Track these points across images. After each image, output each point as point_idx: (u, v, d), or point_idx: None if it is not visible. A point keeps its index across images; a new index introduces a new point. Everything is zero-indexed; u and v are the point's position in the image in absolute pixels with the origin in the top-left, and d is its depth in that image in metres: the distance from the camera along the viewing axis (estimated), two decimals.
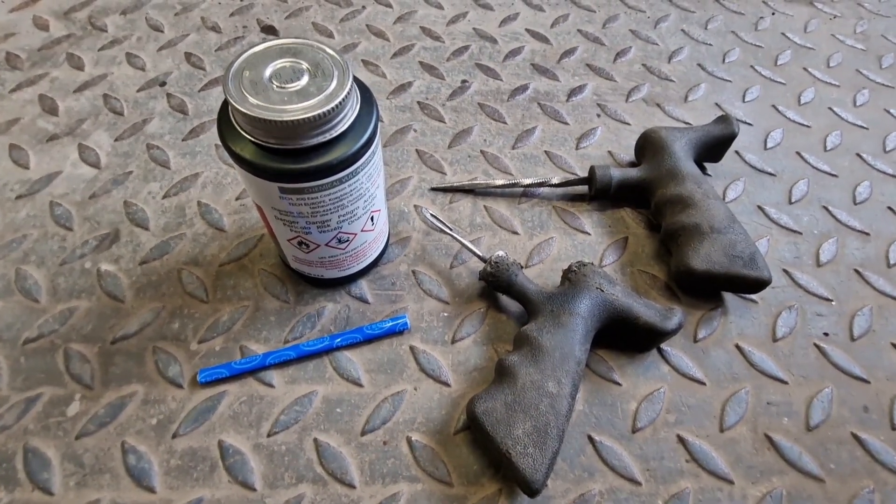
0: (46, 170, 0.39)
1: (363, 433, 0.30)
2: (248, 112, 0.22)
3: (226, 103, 0.25)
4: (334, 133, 0.24)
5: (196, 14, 0.50)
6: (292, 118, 0.22)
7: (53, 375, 0.31)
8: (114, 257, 0.35)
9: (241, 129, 0.24)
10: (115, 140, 0.41)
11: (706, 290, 0.35)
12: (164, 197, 0.38)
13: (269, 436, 0.30)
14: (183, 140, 0.41)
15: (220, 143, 0.41)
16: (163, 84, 0.45)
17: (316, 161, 0.24)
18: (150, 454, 0.29)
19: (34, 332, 0.32)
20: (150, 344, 0.32)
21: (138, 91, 0.44)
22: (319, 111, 0.22)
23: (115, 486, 0.28)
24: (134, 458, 0.29)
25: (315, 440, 0.30)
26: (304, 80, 0.24)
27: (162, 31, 0.49)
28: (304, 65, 0.24)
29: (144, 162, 0.40)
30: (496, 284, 0.33)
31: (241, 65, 0.24)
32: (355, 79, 0.26)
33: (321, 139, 0.24)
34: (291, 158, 0.24)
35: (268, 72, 0.24)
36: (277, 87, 0.23)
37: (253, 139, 0.24)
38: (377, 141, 0.27)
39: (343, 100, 0.23)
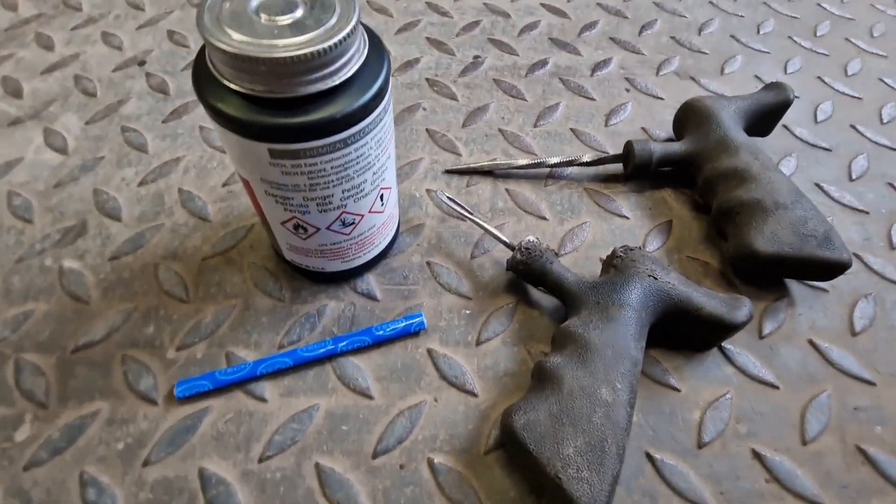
0: (6, 157, 0.34)
1: (375, 455, 0.25)
2: (229, 48, 0.17)
3: (203, 51, 0.21)
4: (337, 80, 0.19)
5: None
6: (285, 55, 0.17)
7: (1, 392, 0.26)
8: (79, 252, 0.30)
9: (222, 75, 0.19)
10: (86, 123, 0.36)
11: (770, 277, 0.30)
12: (140, 184, 0.33)
13: (260, 461, 0.24)
14: (163, 122, 0.37)
15: (205, 124, 0.36)
16: (142, 63, 0.40)
17: (314, 114, 0.19)
18: (115, 487, 0.23)
19: None
20: (118, 352, 0.27)
21: (114, 71, 0.40)
22: (319, 47, 0.18)
23: None
24: (94, 493, 0.23)
25: (317, 465, 0.24)
26: (300, 11, 0.19)
27: (142, 10, 0.44)
28: None
29: (118, 146, 0.35)
30: (527, 275, 0.28)
31: None
32: (362, 23, 0.22)
33: (321, 86, 0.19)
34: (284, 111, 0.19)
35: (254, 2, 0.19)
36: (266, 19, 0.19)
37: (236, 87, 0.19)
38: (388, 96, 0.22)
39: (348, 35, 0.18)
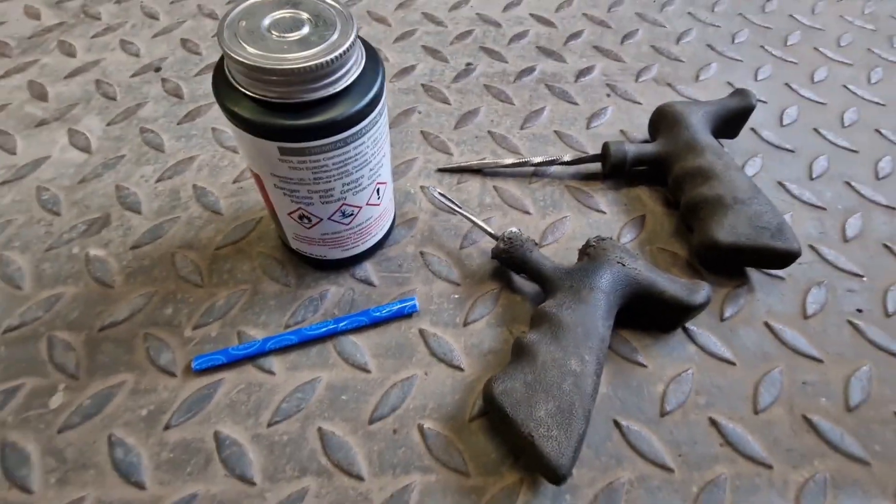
0: (34, 155, 0.38)
1: (371, 421, 0.28)
2: (245, 60, 0.21)
3: (222, 60, 0.24)
4: (338, 87, 0.22)
5: (192, 2, 0.49)
6: (293, 66, 0.21)
7: (36, 365, 0.29)
8: (103, 242, 0.33)
9: (238, 83, 0.22)
10: (107, 124, 0.39)
11: (731, 265, 0.33)
12: (158, 181, 0.36)
13: (269, 426, 0.27)
14: (178, 124, 0.40)
15: (217, 126, 0.40)
16: (158, 69, 0.43)
17: (318, 117, 0.22)
18: (140, 447, 0.26)
19: (16, 319, 0.30)
20: (140, 330, 0.30)
21: (132, 76, 0.43)
22: (322, 59, 0.21)
23: (101, 482, 0.25)
24: (122, 452, 0.26)
25: (319, 429, 0.27)
26: (306, 29, 0.22)
27: (157, 19, 0.47)
28: (305, 15, 0.22)
29: (137, 146, 0.38)
30: (510, 262, 0.31)
31: (236, 15, 0.22)
32: (360, 37, 0.25)
33: (324, 93, 0.22)
34: (292, 114, 0.22)
35: (266, 21, 0.22)
36: (276, 36, 0.22)
37: (250, 93, 0.22)
38: (383, 102, 0.25)
39: (348, 49, 0.22)
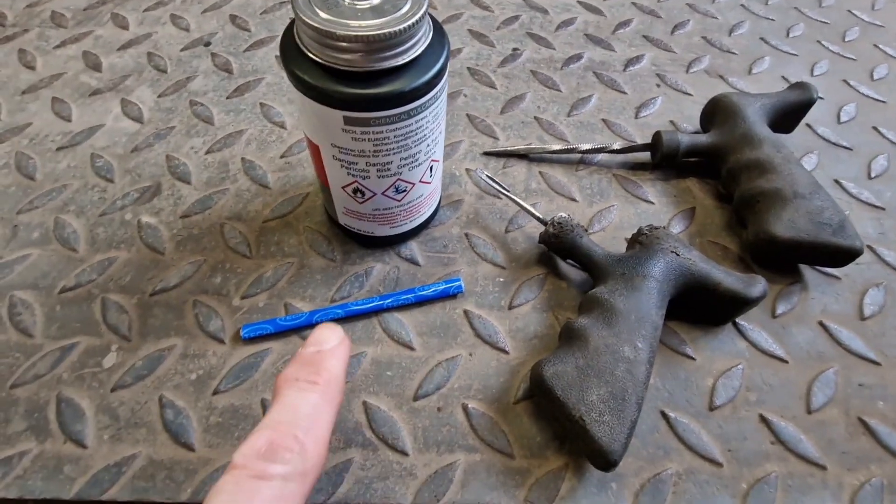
0: (88, 123, 0.38)
1: (416, 398, 0.28)
2: (319, 25, 0.20)
3: (290, 26, 0.24)
4: (406, 58, 0.22)
5: None
6: (365, 33, 0.20)
7: (90, 325, 0.29)
8: (154, 210, 0.34)
9: (308, 49, 0.22)
10: (159, 96, 0.40)
11: (786, 261, 0.32)
12: (207, 152, 0.37)
13: None
14: (227, 98, 0.40)
15: (265, 102, 0.40)
16: (207, 44, 0.44)
17: (385, 87, 0.22)
18: (189, 410, 0.27)
19: (71, 280, 0.31)
20: (190, 297, 0.30)
21: (182, 50, 0.43)
22: (395, 28, 0.21)
23: (152, 441, 0.26)
24: (172, 414, 0.27)
25: (364, 403, 0.27)
26: None
27: None
28: None
29: (187, 118, 0.39)
30: (558, 248, 0.31)
31: None
32: (429, 12, 0.25)
33: (392, 63, 0.22)
34: (359, 83, 0.22)
35: None
36: (349, 2, 0.22)
37: (320, 59, 0.22)
38: (446, 77, 0.25)
39: (419, 20, 0.21)
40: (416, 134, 0.25)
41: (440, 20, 0.47)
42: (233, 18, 0.46)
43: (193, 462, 0.25)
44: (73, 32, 0.44)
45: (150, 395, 0.27)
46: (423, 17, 0.22)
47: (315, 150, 0.27)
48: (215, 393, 0.27)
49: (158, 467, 0.25)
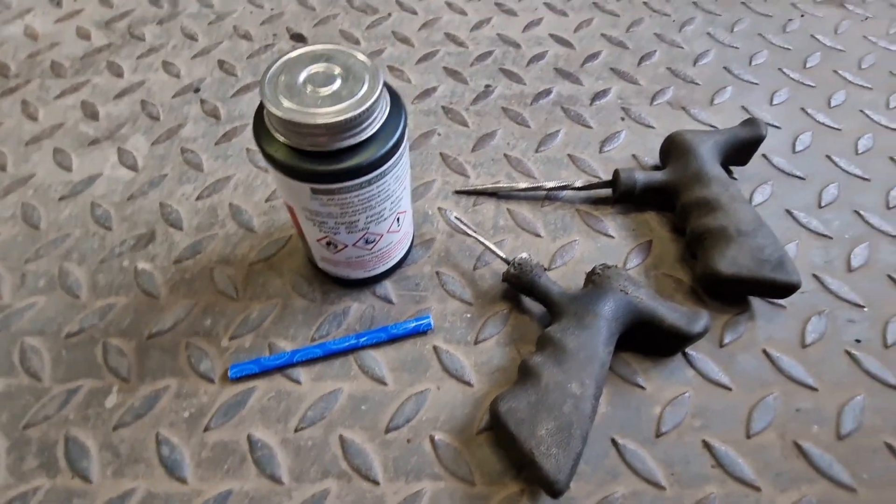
0: (87, 172, 0.41)
1: (387, 430, 0.30)
2: (283, 115, 0.23)
3: (261, 107, 0.26)
4: (364, 136, 0.25)
5: (229, 22, 0.52)
6: (325, 121, 0.23)
7: (93, 368, 0.32)
8: (150, 256, 0.37)
9: (276, 131, 0.25)
10: (152, 144, 0.43)
11: (733, 294, 0.35)
12: (198, 198, 0.40)
13: (296, 431, 0.30)
14: (216, 144, 0.43)
15: (251, 146, 0.43)
16: (197, 90, 0.46)
17: (347, 163, 0.25)
18: (183, 446, 0.30)
19: (75, 326, 0.34)
20: (183, 339, 0.33)
21: (173, 97, 0.46)
22: (351, 114, 0.23)
23: (150, 475, 0.29)
24: (167, 450, 0.30)
25: (340, 436, 0.30)
26: (337, 84, 0.24)
27: (196, 39, 0.51)
28: (337, 69, 0.25)
29: (179, 164, 0.42)
30: (519, 286, 0.33)
31: (277, 69, 0.25)
32: (385, 84, 0.27)
33: (352, 141, 0.24)
34: (323, 160, 0.25)
35: (302, 76, 0.25)
36: (311, 90, 0.24)
37: (287, 142, 0.24)
38: (405, 144, 0.27)
39: (373, 103, 0.24)
40: (380, 195, 0.28)
41: (417, 58, 0.49)
42: (220, 63, 0.48)
43: (187, 494, 0.28)
44: (72, 82, 0.47)
45: (148, 432, 0.30)
46: (377, 100, 0.24)
47: (290, 209, 0.29)
48: (206, 430, 0.30)
49: (156, 499, 0.28)
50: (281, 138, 0.25)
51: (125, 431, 0.30)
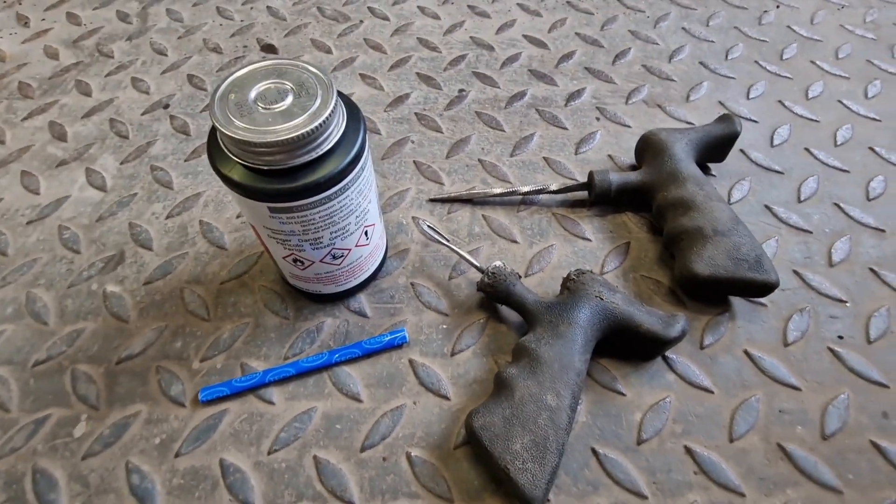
0: (55, 195, 0.40)
1: (363, 449, 0.30)
2: (234, 135, 0.22)
3: (214, 130, 0.26)
4: (320, 151, 0.24)
5: (198, 36, 0.52)
6: (276, 139, 0.22)
7: (61, 396, 0.32)
8: (119, 278, 0.36)
9: (229, 151, 0.24)
10: (121, 163, 0.42)
11: (712, 294, 0.34)
12: (168, 217, 0.39)
13: (269, 453, 0.30)
14: (185, 160, 0.42)
15: None
16: (166, 106, 0.46)
17: (304, 180, 0.24)
18: (154, 474, 0.29)
19: (43, 353, 0.33)
20: (153, 363, 0.33)
21: (143, 114, 0.45)
22: (303, 130, 0.23)
23: None
24: (137, 478, 0.29)
25: (315, 457, 0.29)
26: (289, 100, 0.24)
27: (166, 55, 0.50)
28: (289, 85, 0.24)
29: (148, 183, 0.41)
30: (494, 295, 0.33)
31: (226, 88, 0.24)
32: (342, 95, 0.26)
33: (308, 158, 0.24)
34: (279, 178, 0.24)
35: (253, 94, 0.24)
36: (262, 108, 0.24)
37: (241, 161, 0.24)
38: (366, 156, 0.27)
39: (327, 118, 0.23)
40: (342, 211, 0.27)
41: (389, 65, 0.49)
42: (190, 78, 0.48)
43: None
44: (40, 103, 0.46)
45: (118, 461, 0.30)
46: (331, 114, 0.24)
47: (253, 228, 0.29)
48: (177, 455, 0.30)
49: None
50: (235, 158, 0.24)
51: (94, 461, 0.30)
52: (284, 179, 0.24)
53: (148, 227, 0.39)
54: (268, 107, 0.24)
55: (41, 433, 0.30)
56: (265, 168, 0.24)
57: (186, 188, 0.41)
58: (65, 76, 0.48)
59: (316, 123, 0.23)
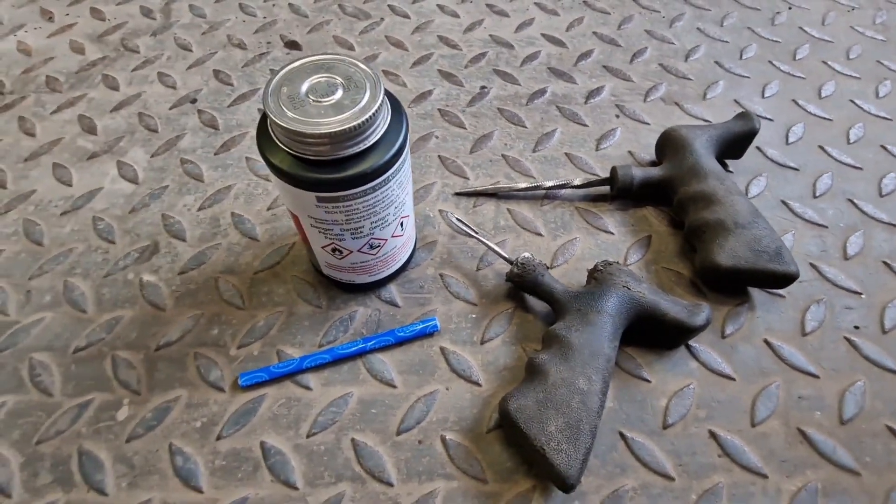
0: (88, 186, 0.41)
1: (398, 433, 0.31)
2: (287, 125, 0.23)
3: (264, 117, 0.27)
4: (367, 143, 0.25)
5: (222, 32, 0.52)
6: (329, 130, 0.23)
7: (102, 382, 0.32)
8: (154, 268, 0.37)
9: (280, 141, 0.25)
10: (151, 156, 0.43)
11: (732, 285, 0.35)
12: (199, 209, 0.40)
13: (308, 436, 0.31)
14: (215, 154, 0.43)
15: (250, 156, 0.43)
16: (193, 101, 0.47)
17: (351, 170, 0.25)
18: (196, 455, 0.30)
19: (83, 340, 0.34)
20: (191, 350, 0.34)
21: (171, 108, 0.46)
22: (354, 123, 0.24)
23: (164, 486, 0.29)
24: (181, 460, 0.30)
25: (352, 440, 0.30)
26: (339, 93, 0.25)
27: (190, 50, 0.51)
28: (339, 79, 0.25)
29: (179, 176, 0.42)
30: (523, 285, 0.34)
31: (279, 81, 0.25)
32: (386, 91, 0.27)
33: (355, 150, 0.25)
34: (328, 168, 0.25)
35: (304, 87, 0.25)
36: (314, 101, 0.24)
37: (291, 151, 0.25)
38: (407, 149, 0.28)
39: (375, 112, 0.24)
40: (384, 201, 0.28)
41: (412, 62, 0.50)
42: (216, 73, 0.49)
43: (202, 503, 0.29)
44: (68, 96, 0.47)
45: (161, 443, 0.30)
46: (379, 108, 0.24)
47: (295, 218, 0.30)
48: (218, 438, 0.31)
49: None
50: (285, 147, 0.25)
51: (138, 443, 0.30)
52: (332, 169, 0.25)
53: (180, 219, 0.39)
54: (319, 100, 0.24)
55: (85, 417, 0.31)
56: (313, 158, 0.25)
57: (217, 181, 0.41)
58: (91, 70, 0.49)
59: (366, 116, 0.24)
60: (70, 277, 0.37)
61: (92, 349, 0.34)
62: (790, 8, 0.55)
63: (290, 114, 0.24)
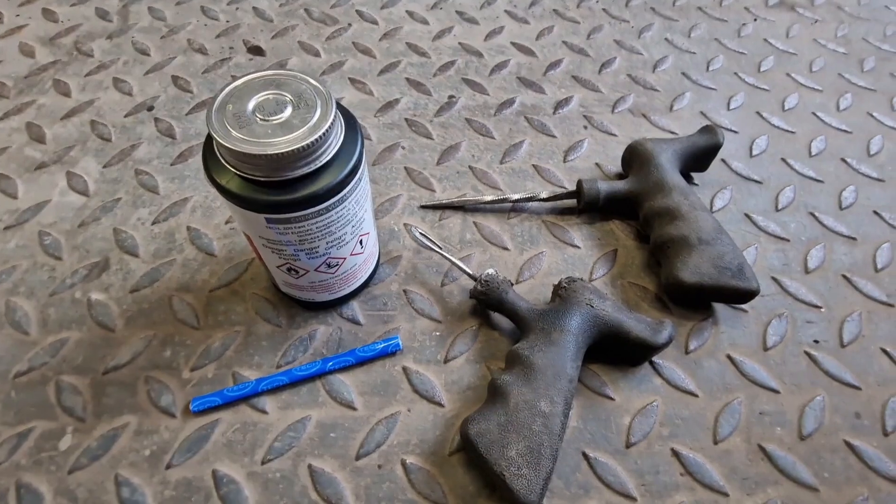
0: (35, 199, 0.39)
1: (358, 457, 0.30)
2: (233, 146, 0.22)
3: (210, 138, 0.25)
4: (319, 163, 0.24)
5: (182, 36, 0.51)
6: (276, 151, 0.22)
7: (45, 409, 0.31)
8: (104, 286, 0.35)
9: (226, 162, 0.24)
10: (104, 167, 0.41)
11: (696, 301, 0.35)
12: (154, 223, 0.38)
13: (263, 463, 0.29)
14: (171, 165, 0.41)
15: None
16: (150, 108, 0.45)
17: (302, 192, 0.24)
18: (144, 486, 0.29)
19: (24, 365, 0.32)
20: (142, 373, 0.32)
21: (126, 116, 0.44)
22: (303, 143, 0.23)
23: None
24: (128, 491, 0.28)
25: (309, 466, 0.29)
26: (288, 111, 0.24)
27: (148, 55, 0.49)
28: (288, 96, 0.24)
29: (133, 188, 0.40)
30: (487, 302, 0.33)
31: (224, 98, 0.24)
32: (339, 106, 0.26)
33: (306, 170, 0.24)
34: (277, 189, 0.24)
35: (251, 105, 0.24)
36: (261, 119, 0.23)
37: (238, 172, 0.24)
38: (363, 167, 0.27)
39: (326, 130, 0.23)
40: (340, 221, 0.27)
41: (379, 69, 0.49)
42: (175, 80, 0.47)
43: None
44: (16, 102, 0.45)
45: (107, 474, 0.29)
46: (331, 127, 0.24)
47: (248, 237, 0.29)
48: (168, 467, 0.29)
49: None
50: (232, 169, 0.24)
51: (82, 475, 0.29)
52: (282, 191, 0.24)
53: (133, 233, 0.38)
54: (266, 118, 0.23)
55: (24, 447, 0.30)
56: (263, 179, 0.24)
57: (173, 193, 0.40)
58: (42, 75, 0.47)
59: (316, 136, 0.23)
60: (13, 297, 0.35)
61: (34, 374, 0.32)
62: (756, 20, 0.55)
63: (235, 133, 0.23)
